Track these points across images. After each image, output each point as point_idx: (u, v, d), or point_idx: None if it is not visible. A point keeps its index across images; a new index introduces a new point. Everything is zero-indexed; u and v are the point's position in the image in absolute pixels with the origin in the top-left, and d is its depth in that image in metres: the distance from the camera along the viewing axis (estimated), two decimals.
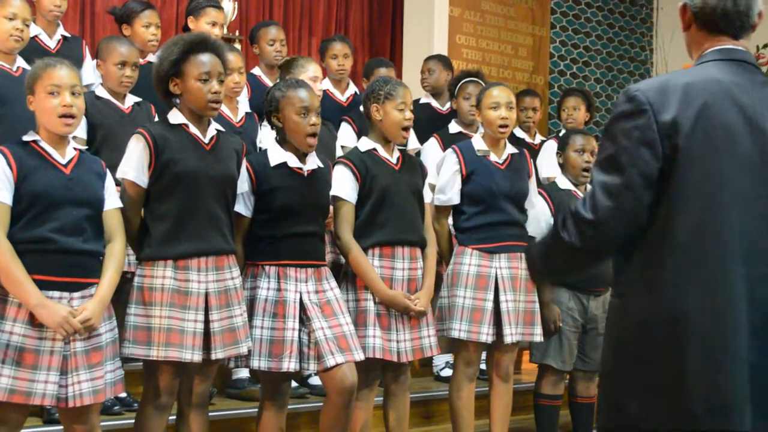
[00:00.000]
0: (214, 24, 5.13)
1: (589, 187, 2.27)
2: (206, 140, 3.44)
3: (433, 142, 5.30)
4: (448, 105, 5.64)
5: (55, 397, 3.04)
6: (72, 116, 3.15)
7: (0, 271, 3.02)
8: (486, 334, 4.19)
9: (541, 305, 4.40)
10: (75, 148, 3.26)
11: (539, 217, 4.52)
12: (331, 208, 3.88)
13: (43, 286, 3.03)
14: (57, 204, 3.09)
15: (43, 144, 3.17)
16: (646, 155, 2.19)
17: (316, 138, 3.69)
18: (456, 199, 4.33)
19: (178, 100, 3.48)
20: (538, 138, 6.07)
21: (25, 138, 3.18)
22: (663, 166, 2.19)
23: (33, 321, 3.03)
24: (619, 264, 2.30)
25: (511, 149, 4.44)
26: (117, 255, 3.23)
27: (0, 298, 3.06)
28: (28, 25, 4.01)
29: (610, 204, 2.21)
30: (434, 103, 5.80)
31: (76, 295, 3.10)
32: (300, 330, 3.58)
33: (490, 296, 4.21)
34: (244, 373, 4.56)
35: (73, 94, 3.16)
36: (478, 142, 4.41)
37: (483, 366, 4.67)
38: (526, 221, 4.40)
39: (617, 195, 2.20)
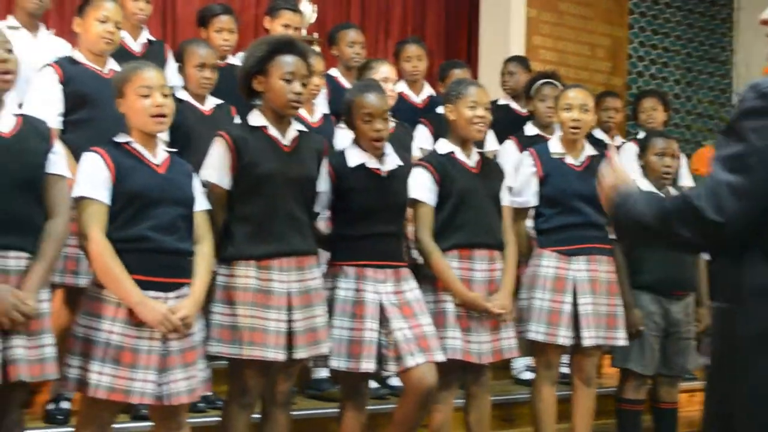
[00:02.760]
0: (288, 26, 5.18)
1: (707, 183, 2.14)
2: (286, 141, 3.46)
3: (510, 144, 5.27)
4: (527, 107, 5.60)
5: (153, 396, 3.08)
6: (164, 115, 3.20)
7: (100, 269, 3.07)
8: (563, 337, 4.16)
9: (625, 309, 4.34)
10: (166, 150, 3.31)
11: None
12: (410, 210, 3.88)
13: (141, 286, 3.07)
14: (154, 203, 3.13)
15: (136, 145, 3.22)
16: None
17: (382, 143, 3.69)
18: (533, 202, 4.31)
19: (259, 102, 3.52)
20: (618, 140, 6.00)
21: (118, 139, 3.23)
22: None
23: (132, 320, 3.07)
24: (727, 267, 2.20)
25: (590, 151, 4.40)
26: (207, 256, 3.27)
27: (97, 297, 3.11)
28: (119, 28, 4.07)
29: (738, 207, 2.08)
30: (513, 105, 5.77)
31: (171, 295, 3.14)
32: (379, 331, 3.58)
33: (568, 299, 4.17)
34: (323, 373, 4.58)
35: (163, 95, 3.21)
36: (555, 145, 4.38)
37: (567, 370, 4.62)
38: (608, 223, 4.34)
39: (746, 197, 2.08)
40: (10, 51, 3.03)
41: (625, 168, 2.48)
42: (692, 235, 2.15)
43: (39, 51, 4.18)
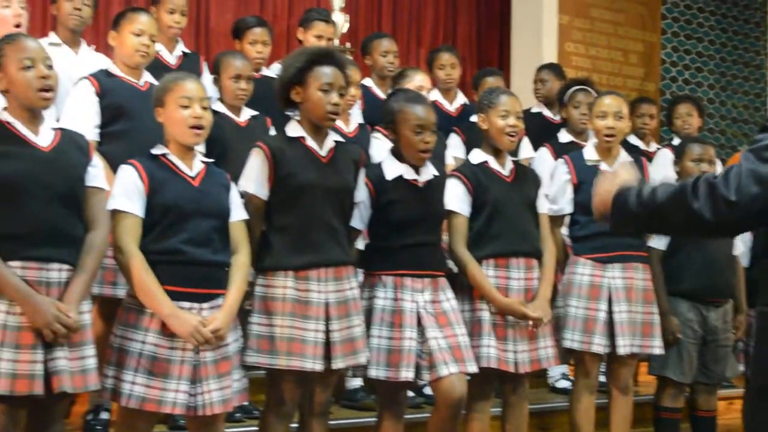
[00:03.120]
0: (320, 37, 5.21)
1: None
2: (323, 152, 3.48)
3: (544, 152, 5.25)
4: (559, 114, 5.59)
5: (185, 406, 3.10)
6: (202, 127, 3.23)
7: (134, 281, 3.10)
8: (598, 345, 4.14)
9: (660, 316, 4.32)
10: (202, 161, 3.33)
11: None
12: (445, 220, 3.88)
13: (174, 296, 3.10)
14: (187, 216, 3.16)
15: (172, 157, 3.25)
16: None
17: (429, 154, 3.70)
18: (568, 209, 4.31)
19: (296, 114, 3.53)
20: (653, 146, 5.97)
21: (154, 151, 3.26)
22: None
23: (165, 331, 3.10)
24: None
25: (625, 157, 4.38)
26: (243, 266, 3.28)
27: (133, 308, 3.14)
28: (154, 41, 4.09)
29: (756, 191, 2.12)
30: (546, 112, 5.75)
31: (205, 305, 3.16)
32: (416, 340, 3.58)
33: (603, 306, 4.16)
34: (357, 383, 4.59)
35: (202, 107, 3.24)
36: (589, 152, 4.37)
37: (603, 378, 4.60)
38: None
39: (765, 185, 2.12)
40: (50, 67, 3.06)
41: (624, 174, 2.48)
42: (708, 211, 2.16)
43: (80, 67, 4.21)
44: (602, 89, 5.48)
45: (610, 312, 4.16)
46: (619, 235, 4.09)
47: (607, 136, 4.29)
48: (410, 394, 4.33)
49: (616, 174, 2.49)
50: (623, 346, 4.15)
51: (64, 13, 4.45)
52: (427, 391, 4.59)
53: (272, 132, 4.27)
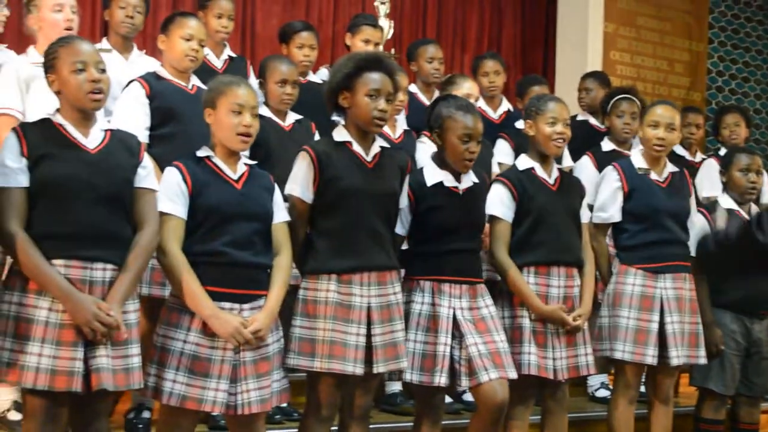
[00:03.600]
0: (368, 42, 5.23)
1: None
2: (369, 158, 3.50)
3: (586, 160, 5.21)
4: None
5: (224, 405, 3.14)
6: (250, 135, 3.27)
7: (176, 282, 3.14)
8: (651, 356, 4.11)
9: (703, 327, 4.28)
10: (245, 164, 3.36)
11: (700, 237, 4.41)
12: (487, 225, 3.88)
13: (215, 297, 3.14)
14: (229, 218, 3.20)
15: (216, 160, 3.29)
16: None
17: (473, 163, 3.71)
18: (617, 217, 4.28)
19: (342, 120, 3.56)
20: (699, 156, 5.93)
21: (199, 153, 3.30)
22: None
23: (206, 330, 3.14)
24: None
25: (671, 168, 4.36)
26: (285, 268, 3.31)
27: (175, 308, 3.19)
28: (203, 46, 4.14)
29: None
30: (592, 121, 5.73)
31: (246, 306, 3.20)
32: (452, 346, 3.59)
33: (656, 317, 4.13)
34: (396, 388, 4.60)
35: (252, 115, 3.28)
36: (638, 160, 4.35)
37: (643, 388, 4.57)
38: (689, 240, 4.30)
39: None
40: (103, 71, 3.11)
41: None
42: None
43: (131, 72, 4.26)
44: (647, 98, 5.46)
45: (660, 323, 4.13)
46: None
47: (657, 146, 4.26)
48: (448, 399, 4.34)
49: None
50: (676, 357, 4.12)
51: (116, 20, 4.52)
52: (467, 397, 4.60)
53: (317, 137, 4.30)
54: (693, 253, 4.26)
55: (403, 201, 3.63)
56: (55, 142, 3.04)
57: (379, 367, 3.42)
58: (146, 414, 3.98)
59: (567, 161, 5.21)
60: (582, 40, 7.62)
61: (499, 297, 3.89)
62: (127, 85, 4.05)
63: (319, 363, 3.34)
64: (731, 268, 2.73)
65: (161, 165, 3.52)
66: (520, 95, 5.61)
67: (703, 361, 4.24)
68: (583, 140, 5.31)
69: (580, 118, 5.72)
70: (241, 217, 3.22)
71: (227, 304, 3.16)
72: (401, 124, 4.86)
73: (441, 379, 3.55)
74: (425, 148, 4.55)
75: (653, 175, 4.27)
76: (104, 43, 4.50)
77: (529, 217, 3.88)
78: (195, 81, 4.15)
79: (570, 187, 4.05)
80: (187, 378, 3.12)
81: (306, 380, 3.52)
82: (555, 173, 4.01)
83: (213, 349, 3.14)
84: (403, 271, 3.69)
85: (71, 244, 2.98)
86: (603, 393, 5.13)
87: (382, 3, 6.18)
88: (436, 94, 5.13)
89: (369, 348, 3.40)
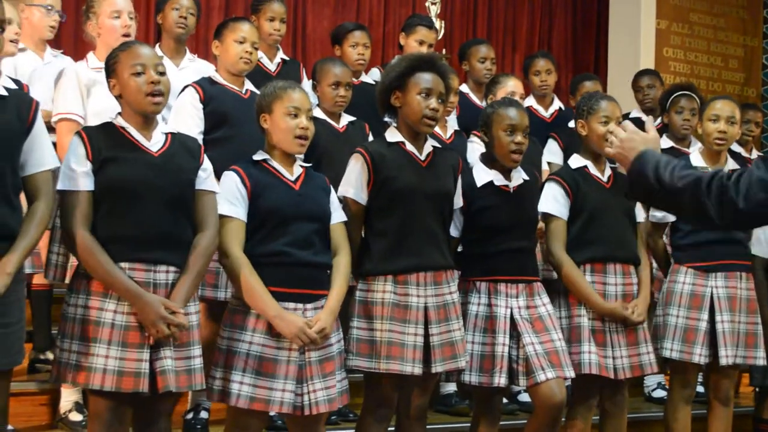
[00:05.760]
0: (422, 42, 5.24)
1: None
2: (422, 157, 3.51)
3: None
4: (659, 120, 5.51)
5: (292, 405, 3.15)
6: (307, 138, 3.30)
7: (239, 284, 3.17)
8: (699, 355, 4.08)
9: (763, 326, 4.23)
10: (301, 165, 3.39)
11: (759, 235, 4.36)
12: (542, 224, 3.87)
13: (279, 297, 3.16)
14: (289, 219, 3.22)
15: (273, 162, 3.31)
16: None
17: (520, 156, 3.70)
18: (671, 217, 4.24)
19: (393, 121, 3.57)
20: (755, 153, 5.86)
21: (256, 157, 3.33)
22: None
23: (271, 331, 3.16)
24: None
25: (732, 165, 4.31)
26: (344, 267, 3.33)
27: (239, 310, 3.21)
28: (256, 49, 4.17)
29: (763, 197, 2.20)
30: (645, 118, 5.67)
31: (309, 306, 3.22)
32: (510, 346, 3.59)
33: (705, 316, 4.09)
34: (451, 388, 4.60)
35: (308, 118, 3.31)
36: (696, 158, 4.31)
37: (702, 389, 4.53)
38: (747, 239, 4.25)
39: None
40: (162, 73, 3.15)
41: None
42: (714, 213, 2.28)
43: (182, 78, 4.30)
44: (701, 95, 5.40)
45: (712, 322, 4.10)
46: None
47: (718, 140, 4.22)
48: (504, 400, 4.33)
49: (646, 137, 2.57)
50: (725, 357, 4.08)
51: (170, 22, 4.58)
52: (522, 398, 4.59)
53: (370, 138, 4.32)
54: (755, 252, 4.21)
55: (458, 202, 3.63)
56: (119, 146, 3.08)
57: (437, 367, 3.42)
58: (204, 414, 4.02)
59: None
60: (634, 38, 7.57)
61: (555, 296, 3.87)
62: (182, 91, 4.10)
63: (378, 364, 3.36)
64: (653, 203, 2.79)
65: (216, 169, 3.55)
66: (572, 93, 5.58)
67: (761, 362, 4.18)
68: None
69: (633, 115, 5.68)
70: (301, 218, 3.24)
71: (291, 304, 3.18)
72: (452, 124, 4.86)
73: (500, 380, 3.55)
74: (476, 148, 4.55)
75: None
76: (157, 50, 4.53)
77: (583, 215, 3.86)
78: (248, 85, 4.18)
79: (624, 185, 4.01)
80: (254, 379, 3.14)
81: (364, 381, 3.53)
82: (608, 171, 3.99)
83: (279, 350, 3.16)
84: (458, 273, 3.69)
85: (136, 247, 3.02)
86: (659, 393, 5.09)
87: (433, 3, 6.20)
88: None
89: (427, 348, 3.40)
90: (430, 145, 3.56)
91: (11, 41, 3.95)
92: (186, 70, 4.49)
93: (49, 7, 4.48)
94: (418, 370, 3.37)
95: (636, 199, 3.68)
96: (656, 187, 2.41)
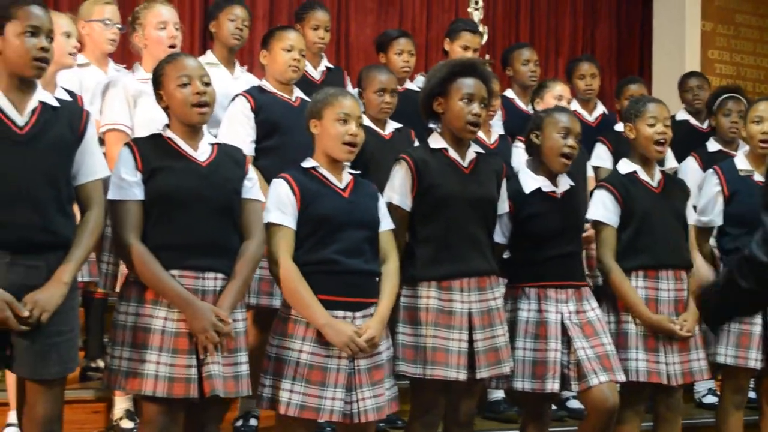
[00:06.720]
0: (466, 48, 5.24)
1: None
2: (465, 163, 3.51)
3: (691, 161, 5.13)
4: (707, 122, 5.47)
5: (341, 413, 3.16)
6: (356, 144, 3.31)
7: (289, 292, 3.19)
8: (754, 360, 4.02)
9: None
10: (350, 173, 3.40)
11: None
12: (592, 231, 3.84)
13: (328, 306, 3.17)
14: (339, 227, 3.23)
15: (322, 170, 3.32)
16: None
17: (571, 161, 3.69)
18: (718, 221, 4.21)
19: (438, 127, 3.57)
20: None
21: (305, 164, 3.34)
22: None
23: (321, 339, 3.16)
24: None
25: None
26: (393, 275, 3.33)
27: (289, 318, 3.22)
28: (303, 56, 4.20)
29: None
30: (693, 121, 5.64)
31: (358, 314, 3.22)
32: (561, 351, 3.57)
33: (758, 320, 4.04)
34: (499, 394, 4.58)
35: (358, 124, 3.32)
36: (741, 161, 4.27)
37: (753, 394, 4.47)
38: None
39: None
40: (207, 84, 3.19)
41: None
42: (753, 283, 2.26)
43: (236, 85, 4.34)
44: (748, 96, 5.34)
45: (765, 326, 4.04)
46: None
47: (763, 141, 4.18)
48: (553, 407, 4.30)
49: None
50: None
51: (225, 32, 4.52)
52: (571, 404, 4.56)
53: (416, 144, 4.32)
54: None
55: (503, 207, 3.62)
56: (168, 156, 3.13)
57: (482, 372, 3.42)
58: (253, 422, 4.05)
59: (671, 162, 5.12)
60: (679, 40, 7.53)
61: (604, 301, 3.85)
62: (232, 100, 4.12)
63: (423, 369, 3.36)
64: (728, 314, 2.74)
65: (267, 177, 3.58)
66: (618, 97, 5.54)
67: None
68: (684, 141, 5.21)
69: (679, 118, 5.63)
70: (351, 225, 3.25)
71: (340, 313, 3.19)
72: (497, 129, 4.86)
73: (553, 386, 3.54)
74: (520, 153, 4.53)
75: (757, 177, 4.18)
76: (209, 57, 4.56)
77: (633, 221, 3.83)
78: (298, 93, 4.20)
79: (674, 189, 3.99)
80: (304, 387, 3.14)
81: (410, 387, 3.53)
82: (658, 176, 3.95)
83: (328, 358, 3.16)
84: (505, 280, 3.68)
85: (185, 255, 3.06)
86: (710, 399, 5.02)
87: (476, 9, 6.18)
88: None
89: (471, 354, 3.40)
90: (473, 151, 3.56)
91: (70, 54, 3.99)
92: (240, 81, 4.51)
93: (108, 21, 4.52)
94: (462, 375, 3.36)
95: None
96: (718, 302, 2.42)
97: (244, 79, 4.55)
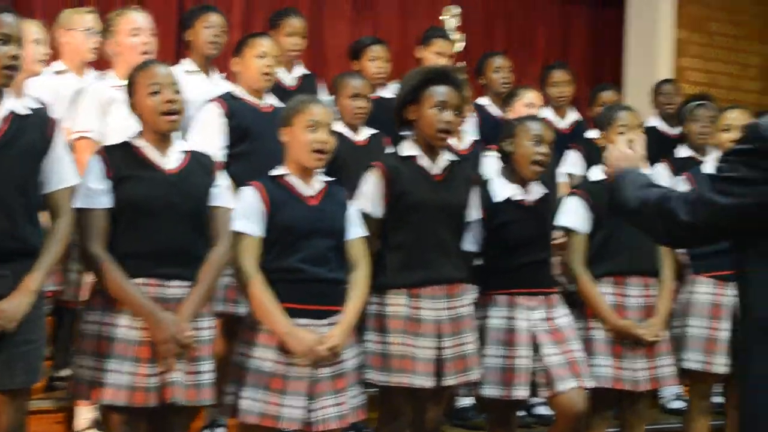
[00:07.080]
0: (440, 54, 5.25)
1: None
2: (437, 170, 3.53)
3: (661, 167, 5.16)
4: (679, 129, 5.51)
5: (301, 421, 3.16)
6: (325, 152, 3.31)
7: (252, 300, 3.20)
8: (722, 365, 4.07)
9: None
10: (324, 180, 3.40)
11: None
12: (562, 238, 3.87)
13: (293, 314, 3.18)
14: (304, 235, 3.24)
15: (291, 178, 3.33)
16: None
17: (543, 168, 3.72)
18: None
19: (409, 133, 3.59)
20: None
21: (274, 172, 3.35)
22: None
23: (283, 347, 3.17)
24: None
25: None
26: (362, 282, 3.34)
27: (252, 326, 3.23)
28: (277, 63, 4.19)
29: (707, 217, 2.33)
30: (661, 127, 5.69)
31: (323, 322, 3.23)
32: (531, 358, 3.60)
33: (725, 325, 4.09)
34: (467, 401, 4.59)
35: (328, 132, 3.32)
36: (711, 167, 4.30)
37: (720, 399, 4.51)
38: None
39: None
40: (177, 92, 3.20)
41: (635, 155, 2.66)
42: (663, 228, 2.39)
43: (214, 92, 4.28)
44: (720, 104, 5.39)
45: (733, 331, 4.08)
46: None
47: None
48: (521, 413, 4.33)
49: (628, 155, 2.68)
50: None
51: (202, 40, 4.48)
52: (538, 411, 4.59)
53: (390, 151, 4.33)
54: None
55: (474, 214, 3.65)
56: (135, 164, 3.14)
57: (449, 380, 3.44)
58: (220, 430, 4.03)
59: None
60: (652, 48, 7.56)
61: (573, 307, 3.88)
62: (204, 105, 4.09)
63: (389, 377, 3.38)
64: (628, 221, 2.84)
65: (238, 183, 3.58)
66: (591, 103, 5.59)
67: None
68: (653, 147, 5.24)
69: (648, 124, 5.67)
70: (317, 234, 3.26)
71: (304, 321, 3.19)
72: (470, 134, 4.87)
73: (521, 393, 3.56)
74: (489, 162, 4.55)
75: None
76: (188, 65, 4.51)
77: (603, 228, 3.85)
78: (271, 100, 4.19)
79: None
80: (264, 395, 3.15)
81: (378, 394, 3.55)
82: None
83: (290, 366, 3.17)
84: (475, 286, 3.70)
85: (152, 263, 3.08)
86: (677, 405, 5.06)
87: (453, 16, 6.19)
88: None
89: (439, 361, 3.42)
90: (446, 158, 3.58)
91: (39, 61, 3.98)
92: (219, 88, 4.47)
93: (90, 30, 4.50)
94: (429, 383, 3.38)
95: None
96: (629, 206, 2.48)
97: (222, 86, 4.55)
